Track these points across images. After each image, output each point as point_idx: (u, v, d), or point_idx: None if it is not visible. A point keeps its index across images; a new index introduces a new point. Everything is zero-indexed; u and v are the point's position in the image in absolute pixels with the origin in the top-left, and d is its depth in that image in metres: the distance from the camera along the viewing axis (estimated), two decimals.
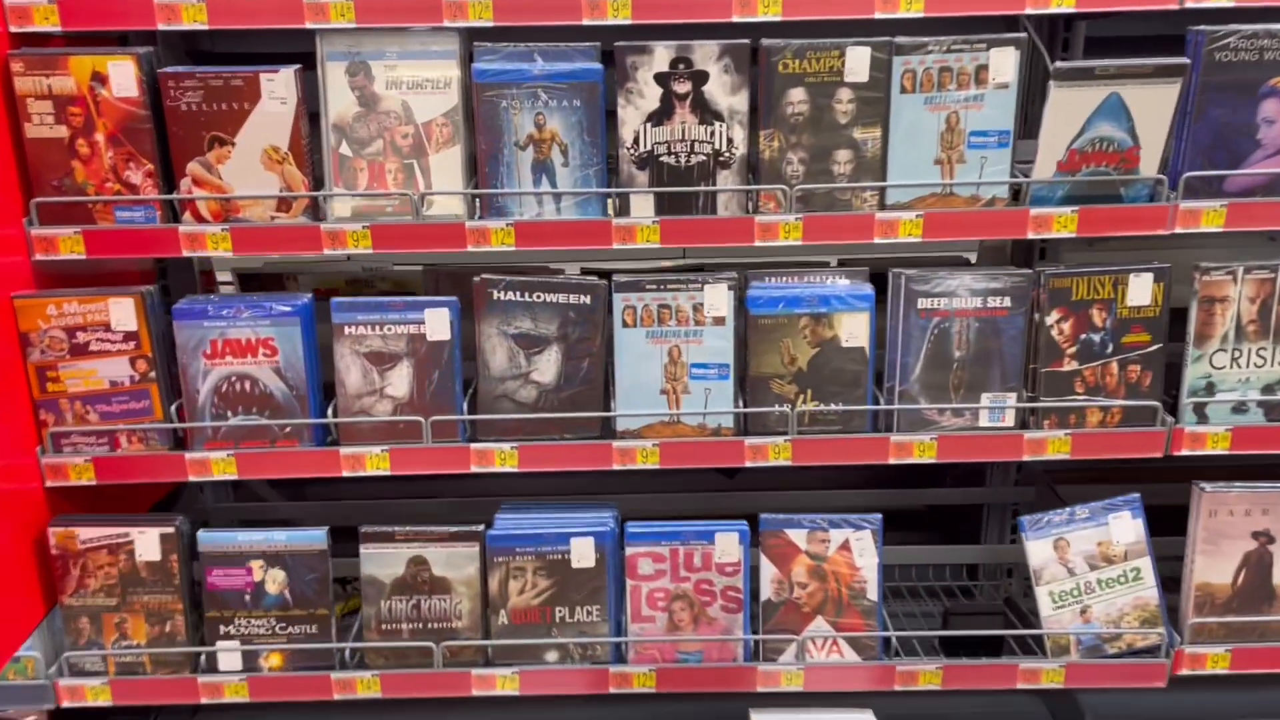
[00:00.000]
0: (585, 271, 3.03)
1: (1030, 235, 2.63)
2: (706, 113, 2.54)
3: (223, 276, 3.51)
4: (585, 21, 2.49)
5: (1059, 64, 2.43)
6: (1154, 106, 2.48)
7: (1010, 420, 2.72)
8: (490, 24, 2.51)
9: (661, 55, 2.49)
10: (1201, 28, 2.46)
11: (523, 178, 2.59)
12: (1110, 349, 2.66)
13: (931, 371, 2.67)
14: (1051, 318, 2.63)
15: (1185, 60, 2.44)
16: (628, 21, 2.48)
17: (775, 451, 2.73)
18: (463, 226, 2.59)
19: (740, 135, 2.56)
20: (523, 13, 2.47)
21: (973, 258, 3.31)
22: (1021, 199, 2.61)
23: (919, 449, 2.73)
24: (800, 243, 2.64)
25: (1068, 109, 2.48)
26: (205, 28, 2.47)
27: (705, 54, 2.49)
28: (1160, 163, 2.56)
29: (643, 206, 2.62)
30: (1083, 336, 2.65)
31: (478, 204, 2.63)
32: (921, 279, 2.61)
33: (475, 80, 2.51)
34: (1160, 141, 2.53)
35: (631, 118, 2.54)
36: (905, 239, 2.64)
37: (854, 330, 2.64)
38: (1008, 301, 2.62)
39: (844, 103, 2.53)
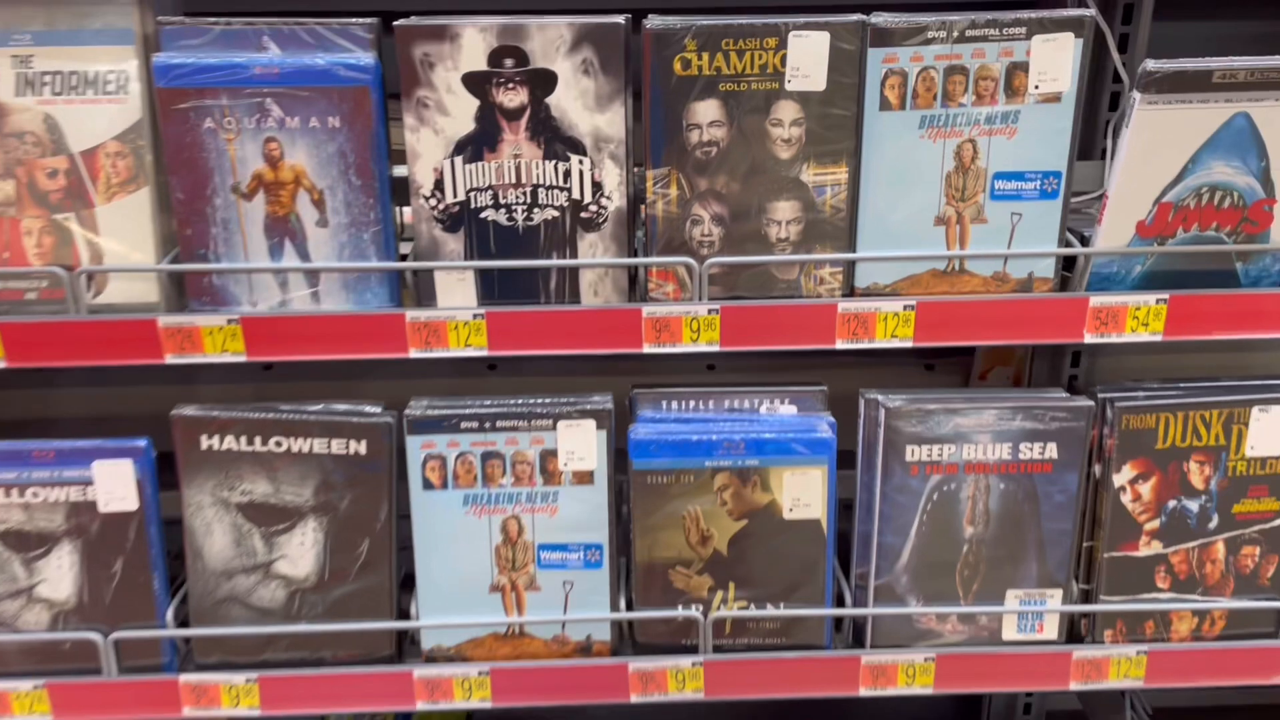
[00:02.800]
0: None
1: (1088, 338, 1.63)
2: (556, 140, 1.51)
3: None
4: None
5: (1152, 64, 1.43)
6: None
7: (1052, 629, 1.72)
8: None
9: (474, 43, 1.46)
10: None
11: (252, 244, 1.55)
12: (1214, 523, 1.67)
13: (929, 556, 1.66)
14: (1124, 475, 1.63)
15: None
16: None
17: (679, 679, 1.72)
18: (154, 324, 1.55)
19: (615, 177, 1.54)
20: None
21: None
22: (1076, 278, 1.61)
23: (907, 674, 1.73)
24: (717, 348, 1.64)
25: (1163, 139, 1.48)
26: None
27: (549, 41, 1.46)
28: None
29: (456, 290, 1.59)
30: (1172, 504, 1.65)
31: (181, 287, 1.60)
32: (913, 414, 1.60)
33: (157, 82, 1.47)
34: None
35: (429, 148, 1.52)
36: (885, 342, 1.64)
37: (804, 493, 1.63)
38: (1053, 450, 1.62)
39: (786, 126, 1.52)
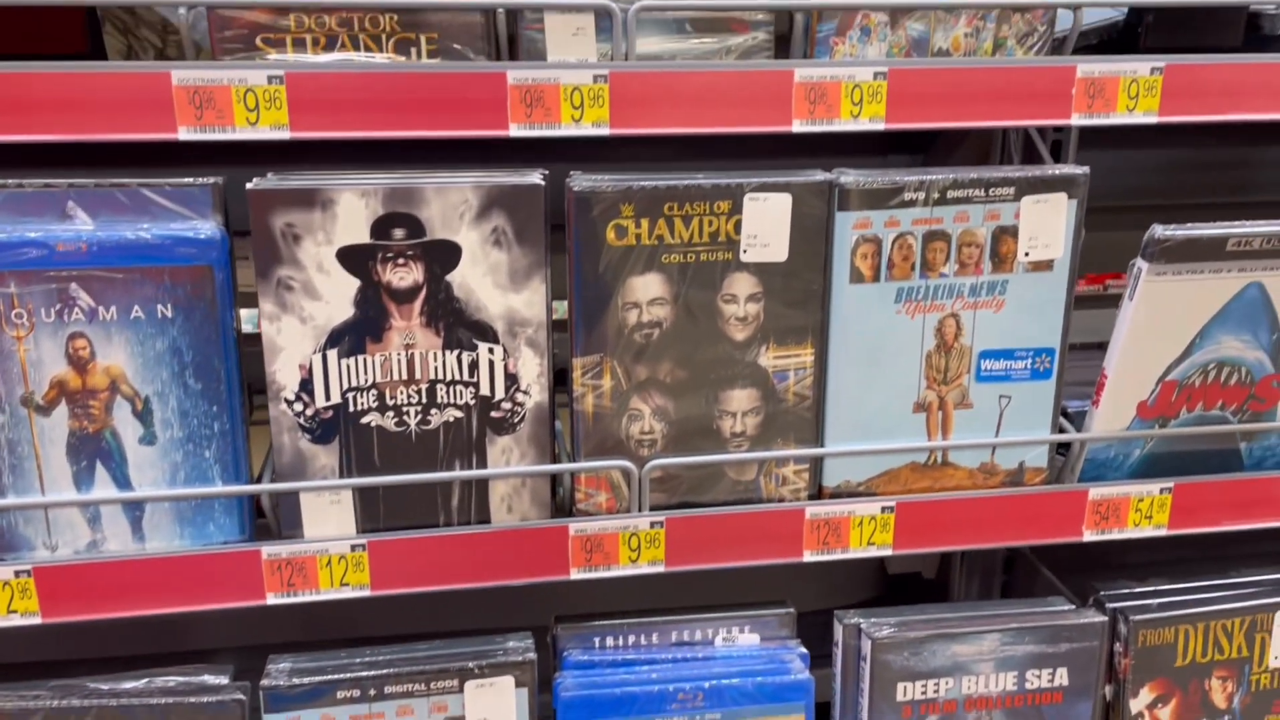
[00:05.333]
0: None
1: (1088, 535, 1.41)
2: (459, 325, 1.20)
3: None
4: (183, 134, 1.13)
5: (1161, 231, 1.24)
6: None
7: None
8: None
9: (353, 210, 1.15)
10: None
11: (50, 470, 1.17)
12: None
13: None
14: (1142, 700, 1.39)
15: None
16: (282, 134, 1.13)
17: None
18: None
19: (534, 367, 1.24)
20: (40, 111, 1.09)
21: None
22: (1069, 464, 1.39)
23: None
24: (662, 568, 1.33)
25: (1171, 312, 1.29)
26: None
27: (450, 206, 1.16)
28: None
29: (329, 516, 1.24)
30: None
31: None
32: (904, 644, 1.33)
33: None
34: None
35: (293, 340, 1.18)
36: (861, 551, 1.37)
37: None
38: (1064, 676, 1.36)
39: (741, 302, 1.26)
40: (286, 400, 1.19)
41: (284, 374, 1.18)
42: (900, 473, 1.36)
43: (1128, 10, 1.38)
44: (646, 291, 1.23)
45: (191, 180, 1.14)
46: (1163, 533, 1.42)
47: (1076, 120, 1.27)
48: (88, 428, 1.15)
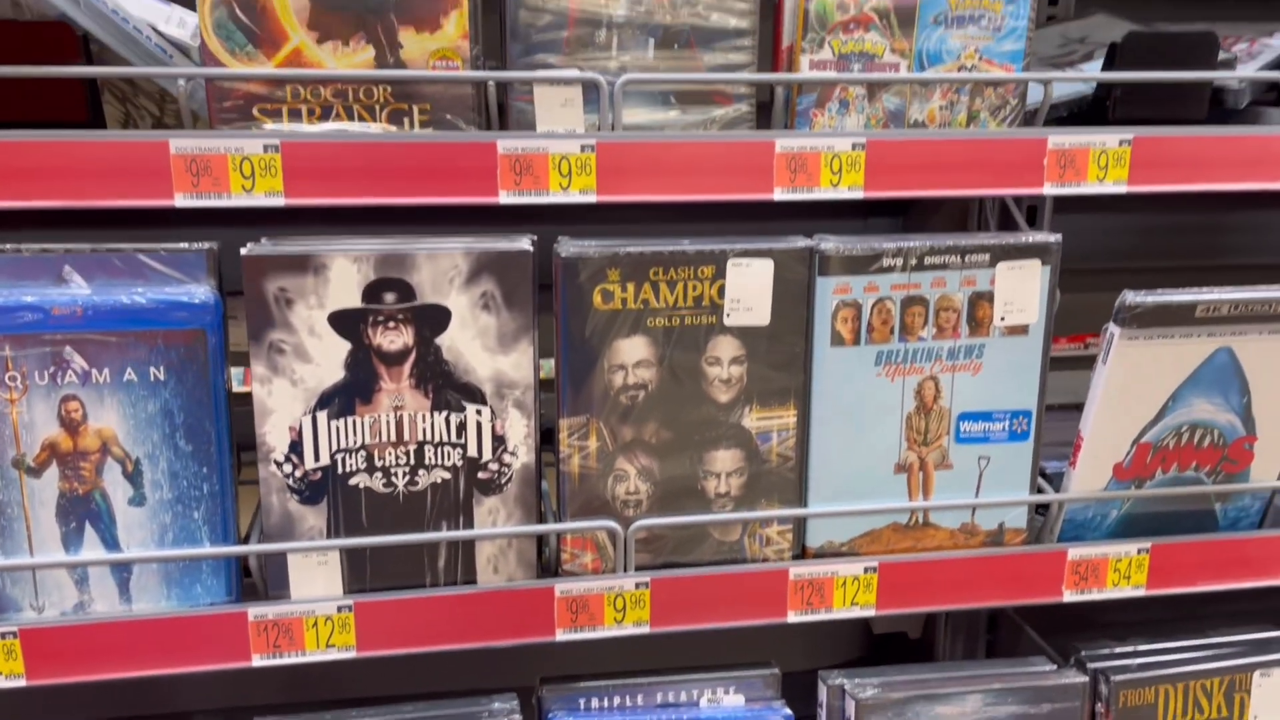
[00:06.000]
0: None
1: (1068, 596, 1.43)
2: (448, 387, 1.22)
3: None
4: (179, 201, 1.15)
5: (1132, 297, 1.27)
6: None
7: None
8: None
9: (345, 275, 1.17)
10: None
11: (39, 532, 1.17)
12: None
13: None
14: None
15: None
16: (276, 200, 1.16)
17: None
18: None
19: (521, 428, 1.26)
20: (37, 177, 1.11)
21: None
22: (1048, 525, 1.41)
23: None
24: (648, 629, 1.34)
25: (1143, 376, 1.32)
26: None
27: (441, 271, 1.19)
28: None
29: (316, 577, 1.25)
30: None
31: None
32: (888, 705, 1.33)
33: None
34: None
35: (284, 402, 1.19)
36: (844, 611, 1.38)
37: None
38: None
39: (725, 365, 1.28)
40: (276, 462, 1.20)
41: (274, 436, 1.19)
42: (882, 533, 1.37)
43: (1097, 84, 1.43)
44: (632, 354, 1.25)
45: (186, 245, 1.17)
46: (1141, 593, 1.44)
47: (1049, 190, 1.31)
48: (78, 489, 1.16)
